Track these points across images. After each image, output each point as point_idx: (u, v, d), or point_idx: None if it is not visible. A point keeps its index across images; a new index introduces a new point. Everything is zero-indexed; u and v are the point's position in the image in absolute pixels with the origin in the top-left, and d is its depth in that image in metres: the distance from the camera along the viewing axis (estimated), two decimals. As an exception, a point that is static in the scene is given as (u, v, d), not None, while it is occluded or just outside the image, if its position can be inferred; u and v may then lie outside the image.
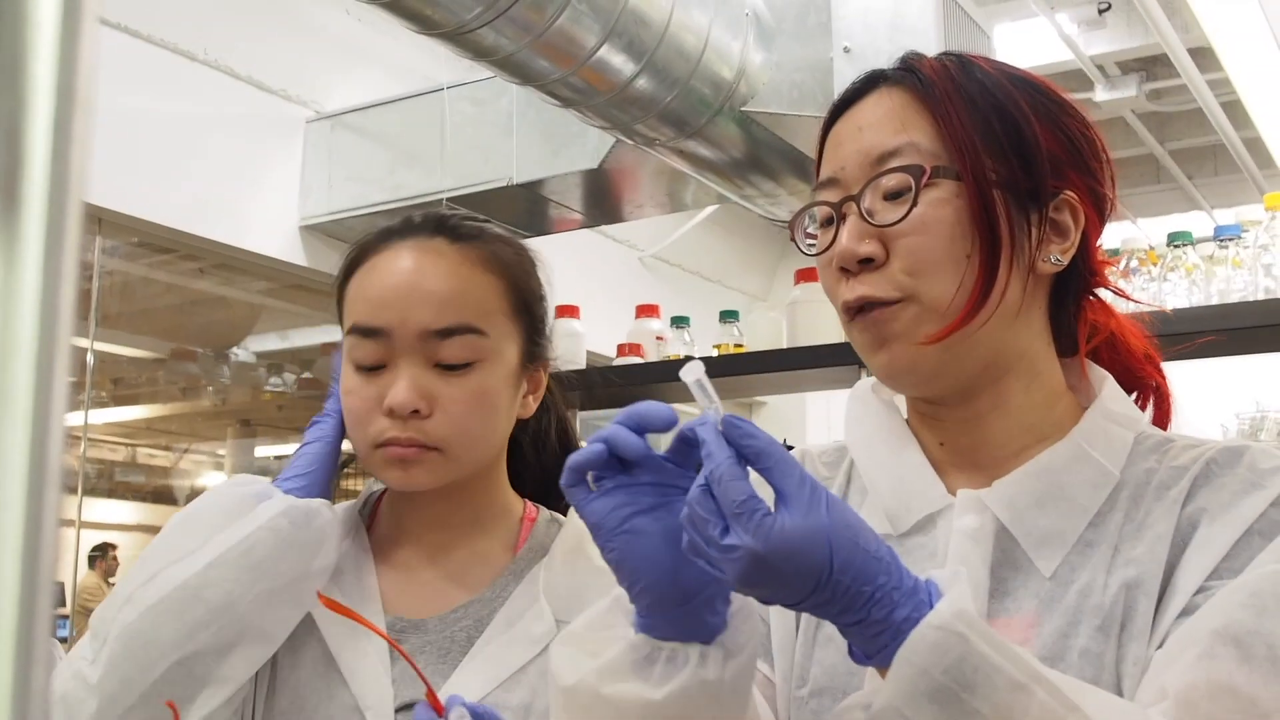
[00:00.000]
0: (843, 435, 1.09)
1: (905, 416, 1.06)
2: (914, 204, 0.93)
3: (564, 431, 1.39)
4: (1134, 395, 1.06)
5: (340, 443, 1.23)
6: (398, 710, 1.15)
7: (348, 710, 1.15)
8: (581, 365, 3.59)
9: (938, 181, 0.94)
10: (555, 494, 1.37)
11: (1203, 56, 5.08)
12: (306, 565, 1.15)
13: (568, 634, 0.92)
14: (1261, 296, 2.72)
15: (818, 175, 1.03)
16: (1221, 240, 2.84)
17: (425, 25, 2.89)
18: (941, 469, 1.01)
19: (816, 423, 6.63)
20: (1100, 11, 5.55)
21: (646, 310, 3.82)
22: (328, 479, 1.21)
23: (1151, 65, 6.07)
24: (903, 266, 0.94)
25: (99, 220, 4.16)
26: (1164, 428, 1.06)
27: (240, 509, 1.16)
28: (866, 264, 0.95)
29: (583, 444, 1.06)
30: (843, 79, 3.42)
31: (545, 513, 1.30)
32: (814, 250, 1.01)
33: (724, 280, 7.16)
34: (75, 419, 4.45)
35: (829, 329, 3.30)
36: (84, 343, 4.32)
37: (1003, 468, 0.98)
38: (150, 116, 4.19)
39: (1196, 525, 0.90)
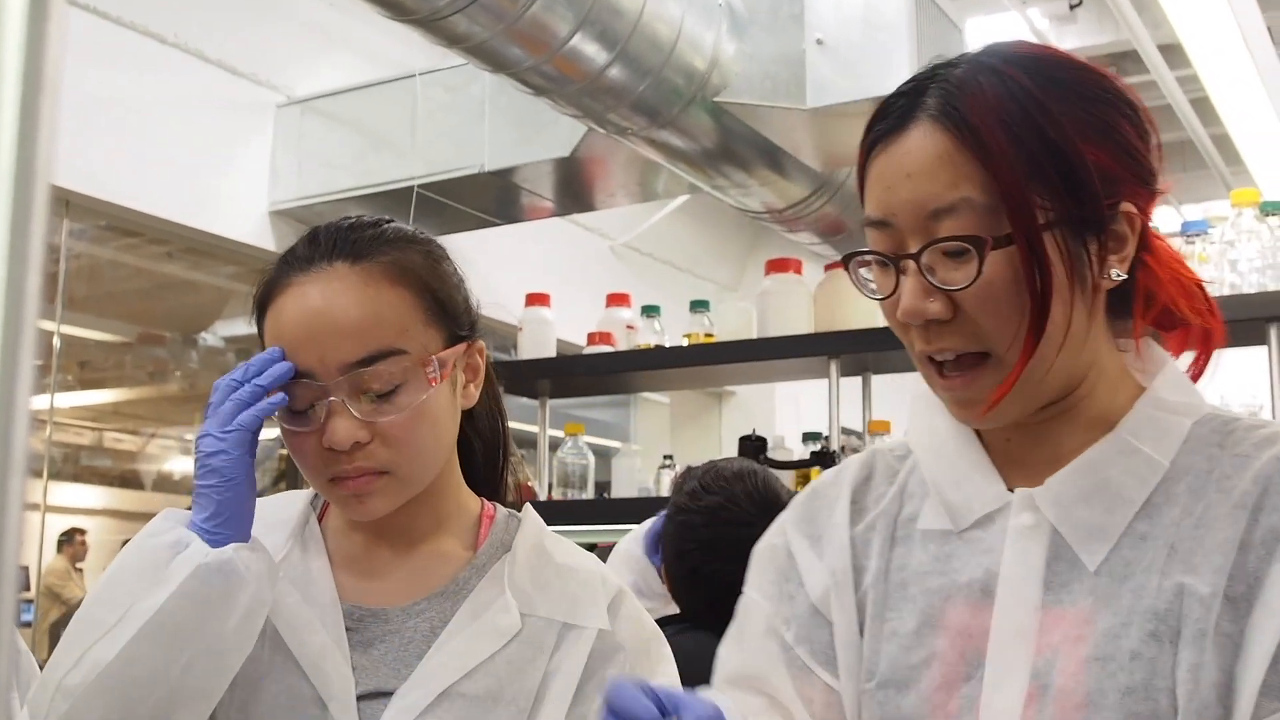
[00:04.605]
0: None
1: None
2: (979, 274, 0.93)
3: (494, 410, 1.36)
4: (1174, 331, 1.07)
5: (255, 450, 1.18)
6: (359, 698, 1.15)
7: (308, 702, 1.15)
8: (552, 353, 3.59)
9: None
10: (495, 475, 1.36)
11: (1172, 53, 5.11)
12: (228, 621, 1.10)
13: None
14: (1227, 292, 2.74)
15: (863, 202, 1.02)
16: (1189, 236, 2.86)
17: (398, 11, 2.88)
18: (1004, 466, 1.03)
19: (785, 412, 6.66)
20: (1071, 7, 5.59)
21: (617, 299, 3.82)
22: (248, 504, 1.15)
23: (1121, 61, 6.11)
24: (973, 322, 0.96)
25: (66, 203, 4.13)
26: (1199, 374, 1.07)
27: (156, 567, 1.10)
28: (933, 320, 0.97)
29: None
30: (815, 71, 3.43)
31: (503, 510, 1.30)
32: (875, 295, 1.02)
33: (694, 270, 7.17)
34: (41, 402, 4.41)
35: (799, 319, 3.31)
36: (50, 326, 4.29)
37: (1064, 464, 1.00)
38: (119, 99, 4.15)
39: None
